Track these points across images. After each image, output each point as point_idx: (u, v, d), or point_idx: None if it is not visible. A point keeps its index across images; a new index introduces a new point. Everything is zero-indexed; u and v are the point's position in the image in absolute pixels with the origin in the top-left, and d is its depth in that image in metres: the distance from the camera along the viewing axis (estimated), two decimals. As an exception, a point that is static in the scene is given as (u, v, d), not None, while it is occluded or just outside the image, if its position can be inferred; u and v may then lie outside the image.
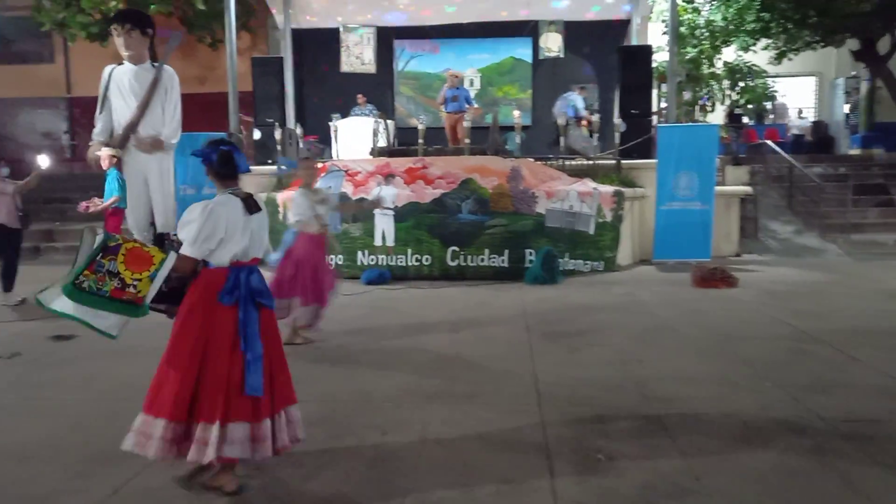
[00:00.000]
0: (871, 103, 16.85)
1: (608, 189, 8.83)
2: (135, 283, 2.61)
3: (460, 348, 4.96)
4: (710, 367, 4.35)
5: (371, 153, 10.17)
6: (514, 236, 8.30)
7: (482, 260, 8.31)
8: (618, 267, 8.88)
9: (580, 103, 11.77)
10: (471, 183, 8.40)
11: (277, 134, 10.21)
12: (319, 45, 13.73)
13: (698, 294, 7.15)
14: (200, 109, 10.43)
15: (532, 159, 9.51)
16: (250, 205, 2.76)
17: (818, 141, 17.86)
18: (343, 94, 13.12)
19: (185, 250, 2.67)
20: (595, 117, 11.30)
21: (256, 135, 10.91)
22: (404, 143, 12.33)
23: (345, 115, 11.79)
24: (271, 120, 10.90)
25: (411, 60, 14.89)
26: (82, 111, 17.06)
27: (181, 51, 14.22)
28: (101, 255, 2.58)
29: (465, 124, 9.93)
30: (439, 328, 5.63)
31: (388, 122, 12.34)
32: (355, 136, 11.06)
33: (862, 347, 4.75)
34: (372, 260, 8.39)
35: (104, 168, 6.70)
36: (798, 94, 19.39)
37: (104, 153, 4.25)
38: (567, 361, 4.56)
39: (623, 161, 9.85)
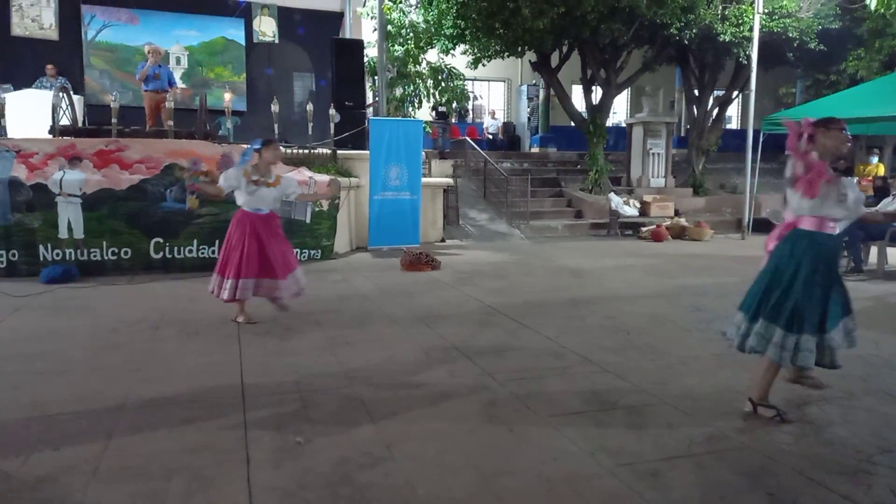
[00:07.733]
0: (547, 108, 19.80)
1: (324, 178, 8.94)
2: None
3: (162, 346, 4.62)
4: (411, 345, 4.72)
5: (50, 132, 8.79)
6: (227, 226, 7.88)
7: (190, 251, 7.81)
8: (335, 255, 9.10)
9: None
10: (175, 168, 7.81)
11: None
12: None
13: (407, 278, 7.68)
14: None
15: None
16: None
17: (508, 139, 20.47)
18: (19, 62, 11.11)
19: None
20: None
21: None
22: (96, 122, 10.92)
23: (21, 87, 10.00)
24: None
25: (104, 29, 13.23)
26: None
27: None
28: None
29: (168, 105, 9.16)
30: (138, 327, 5.16)
31: (76, 97, 10.82)
32: (31, 112, 9.47)
33: (533, 317, 5.60)
34: (57, 255, 7.33)
35: None
36: (493, 97, 21.98)
37: None
38: (277, 351, 4.54)
39: (339, 151, 10.08)
